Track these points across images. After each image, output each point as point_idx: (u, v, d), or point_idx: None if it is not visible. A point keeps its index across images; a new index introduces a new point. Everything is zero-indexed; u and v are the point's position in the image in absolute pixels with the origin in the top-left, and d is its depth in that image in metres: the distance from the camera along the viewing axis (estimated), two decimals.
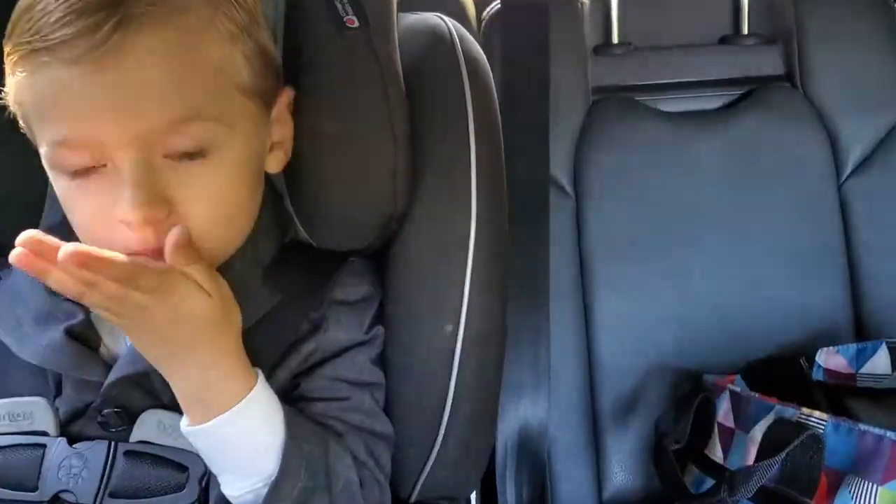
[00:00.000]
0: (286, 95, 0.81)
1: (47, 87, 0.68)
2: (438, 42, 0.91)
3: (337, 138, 0.83)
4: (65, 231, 0.81)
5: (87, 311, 0.81)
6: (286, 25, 0.86)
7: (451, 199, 0.86)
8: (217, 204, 0.73)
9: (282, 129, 0.81)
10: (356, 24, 0.82)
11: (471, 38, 0.94)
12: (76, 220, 0.75)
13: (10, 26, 0.70)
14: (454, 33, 0.92)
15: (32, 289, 0.82)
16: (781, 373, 1.27)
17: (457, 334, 0.84)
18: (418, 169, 0.86)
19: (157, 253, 0.70)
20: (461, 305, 0.84)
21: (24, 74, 0.69)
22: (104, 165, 0.70)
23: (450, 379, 0.85)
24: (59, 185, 0.74)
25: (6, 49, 0.71)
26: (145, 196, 0.69)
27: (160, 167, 0.70)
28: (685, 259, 1.44)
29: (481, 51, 0.94)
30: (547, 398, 1.27)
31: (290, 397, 0.83)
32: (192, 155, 0.71)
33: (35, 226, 0.87)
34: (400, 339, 0.88)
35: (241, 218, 0.79)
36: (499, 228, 0.87)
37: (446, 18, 0.96)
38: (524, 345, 1.27)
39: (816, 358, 1.23)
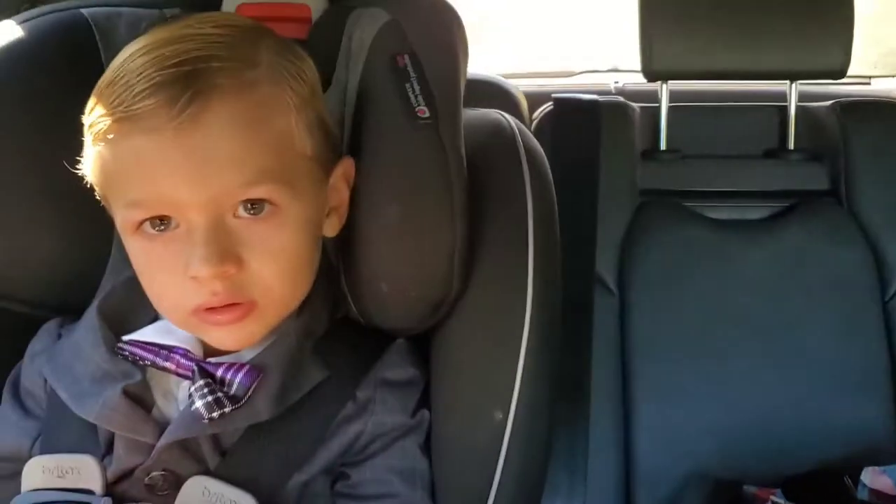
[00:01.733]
0: (344, 165, 0.84)
1: (129, 153, 0.73)
2: (500, 134, 0.93)
3: (398, 220, 0.85)
4: (129, 289, 0.85)
5: (144, 371, 0.82)
6: (356, 108, 0.90)
7: (506, 285, 0.86)
8: (282, 259, 0.77)
9: (338, 196, 0.85)
10: (427, 114, 0.85)
11: (529, 133, 0.97)
12: (147, 279, 0.78)
13: (92, 101, 0.76)
14: (515, 128, 0.95)
15: (95, 348, 0.83)
16: (825, 489, 1.24)
17: (506, 423, 0.83)
18: (475, 254, 0.87)
19: (227, 308, 0.75)
20: (512, 393, 0.84)
21: (106, 144, 0.73)
22: (177, 227, 0.74)
23: (495, 468, 0.84)
24: (132, 246, 0.77)
25: (87, 122, 0.76)
26: (216, 252, 0.73)
27: (230, 226, 0.74)
28: (728, 366, 1.43)
29: (539, 145, 0.96)
30: (582, 499, 1.24)
31: (339, 489, 0.83)
32: (259, 214, 0.75)
33: (95, 285, 0.89)
34: (446, 425, 0.87)
35: (302, 276, 0.82)
36: (554, 317, 0.87)
37: (506, 114, 0.99)
38: (561, 443, 1.25)
39: (862, 477, 1.21)
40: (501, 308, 0.86)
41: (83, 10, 0.94)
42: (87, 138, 0.75)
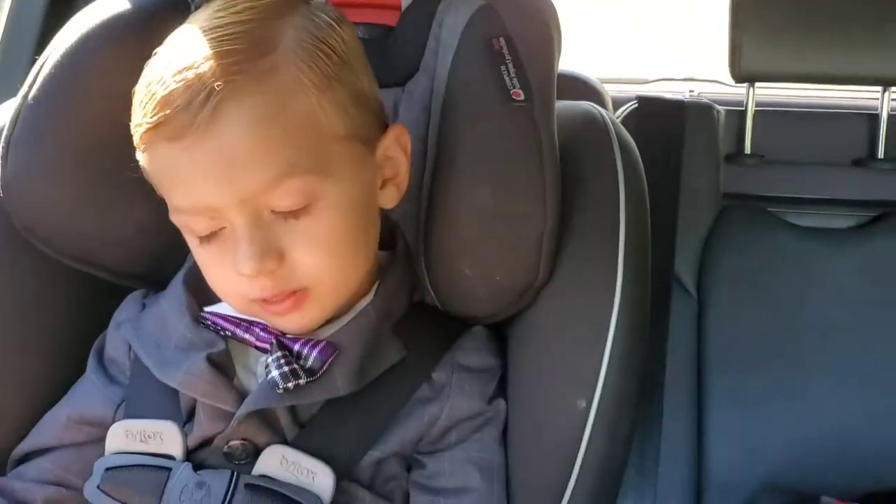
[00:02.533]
0: (394, 132, 0.83)
1: (157, 162, 0.74)
2: (593, 124, 0.92)
3: (489, 202, 0.84)
4: None
5: (226, 342, 0.83)
6: (447, 92, 0.89)
7: (596, 274, 0.85)
8: (327, 247, 0.76)
9: (394, 165, 0.83)
10: (522, 96, 0.85)
11: (622, 126, 0.96)
12: (206, 275, 0.80)
13: (134, 102, 0.76)
14: (607, 119, 0.94)
15: (180, 317, 0.85)
16: None
17: (588, 411, 0.82)
18: (564, 242, 0.86)
19: (278, 298, 0.75)
20: (597, 381, 0.82)
21: (142, 152, 0.75)
22: (222, 228, 0.75)
23: (576, 458, 0.82)
24: (190, 243, 0.79)
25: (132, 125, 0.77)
26: (257, 250, 0.73)
27: (269, 222, 0.74)
28: (808, 377, 1.40)
29: (631, 138, 0.94)
30: (652, 501, 1.22)
31: (415, 479, 0.83)
32: (297, 212, 0.74)
33: (180, 259, 0.91)
34: (525, 412, 0.86)
35: (356, 257, 0.81)
36: (642, 307, 0.86)
37: (598, 107, 0.98)
38: (633, 442, 1.23)
39: None
40: (589, 297, 0.85)
41: None
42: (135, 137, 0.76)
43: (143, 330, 0.87)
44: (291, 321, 0.79)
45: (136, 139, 0.75)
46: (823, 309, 1.43)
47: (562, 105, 0.96)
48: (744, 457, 1.36)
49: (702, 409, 1.38)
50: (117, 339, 0.89)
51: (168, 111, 0.70)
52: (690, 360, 1.39)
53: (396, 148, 0.83)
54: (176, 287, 0.87)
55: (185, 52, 0.72)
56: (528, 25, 0.90)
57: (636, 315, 0.85)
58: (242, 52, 0.71)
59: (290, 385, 0.77)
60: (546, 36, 0.90)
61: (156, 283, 0.92)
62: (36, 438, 0.88)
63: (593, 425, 0.82)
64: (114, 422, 0.85)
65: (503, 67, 0.86)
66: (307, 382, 0.77)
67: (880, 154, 1.57)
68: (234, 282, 0.76)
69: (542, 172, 0.83)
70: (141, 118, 0.73)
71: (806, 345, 1.41)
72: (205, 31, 0.73)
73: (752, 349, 1.40)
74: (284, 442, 0.81)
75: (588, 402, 0.82)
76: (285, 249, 0.74)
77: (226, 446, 0.81)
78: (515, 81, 0.85)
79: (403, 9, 0.97)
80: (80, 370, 0.91)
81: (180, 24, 0.78)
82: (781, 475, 1.36)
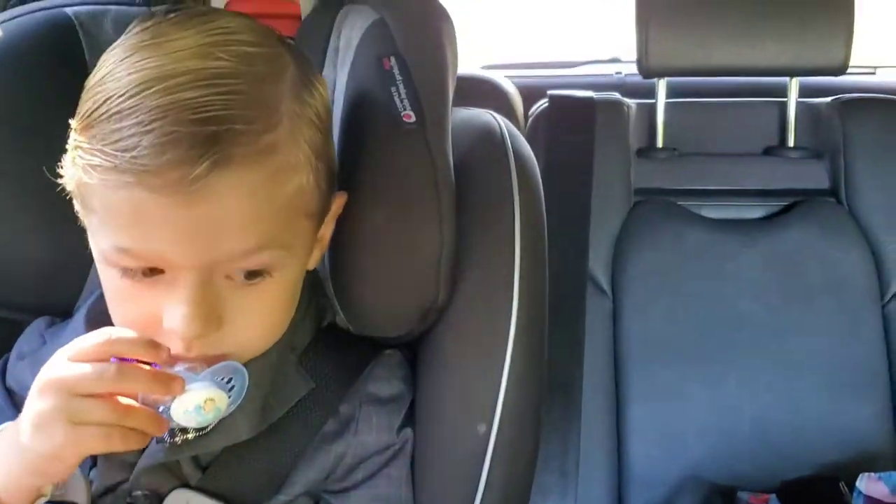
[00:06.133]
0: (339, 201, 0.81)
1: (125, 205, 0.66)
2: (489, 138, 0.91)
3: (384, 228, 0.82)
4: None
5: None
6: (343, 110, 0.87)
7: (492, 294, 0.84)
8: (266, 321, 0.75)
9: (326, 229, 0.81)
10: (413, 119, 0.82)
11: (521, 136, 0.94)
12: (119, 313, 0.74)
13: (87, 112, 0.68)
14: (505, 131, 0.92)
15: None
16: (819, 495, 1.22)
17: (489, 436, 0.82)
18: (462, 261, 0.85)
19: (196, 360, 0.71)
20: (496, 406, 0.82)
21: (99, 181, 0.67)
22: (161, 273, 0.70)
23: (479, 482, 0.82)
24: (109, 278, 0.73)
25: (75, 142, 0.69)
26: (202, 314, 0.69)
27: (218, 286, 0.70)
28: (722, 369, 1.41)
29: (530, 150, 0.94)
30: (574, 503, 1.23)
31: None
32: (252, 278, 0.71)
33: (78, 287, 0.87)
34: (429, 437, 0.85)
35: (283, 323, 0.79)
36: (539, 328, 0.85)
37: (498, 116, 0.96)
38: (553, 445, 1.24)
39: (857, 483, 1.19)
40: (485, 319, 0.84)
41: (67, 10, 0.91)
42: (74, 155, 0.69)
43: (41, 367, 0.83)
44: None
45: (89, 161, 0.66)
46: (737, 301, 1.44)
47: (462, 115, 0.94)
48: (663, 452, 1.37)
49: (620, 406, 1.39)
50: (18, 372, 0.86)
51: (158, 161, 0.63)
52: (608, 358, 1.40)
53: (333, 216, 0.81)
54: (77, 326, 0.83)
55: (179, 92, 0.64)
56: (421, 44, 0.88)
57: (534, 336, 0.84)
58: (251, 122, 0.67)
59: (178, 440, 0.75)
60: (439, 54, 0.88)
61: (57, 312, 0.89)
62: None
63: (494, 450, 0.81)
64: None
65: (393, 89, 0.84)
66: (196, 437, 0.75)
67: (790, 142, 1.59)
68: (149, 328, 0.70)
69: (437, 196, 0.82)
70: (109, 149, 0.65)
71: (721, 337, 1.42)
72: (199, 70, 0.66)
73: (668, 344, 1.41)
74: (188, 486, 0.78)
75: (488, 426, 0.81)
76: (226, 316, 0.71)
77: (129, 497, 0.78)
78: (406, 103, 0.83)
79: (303, 19, 0.95)
80: None
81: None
82: (701, 468, 1.37)
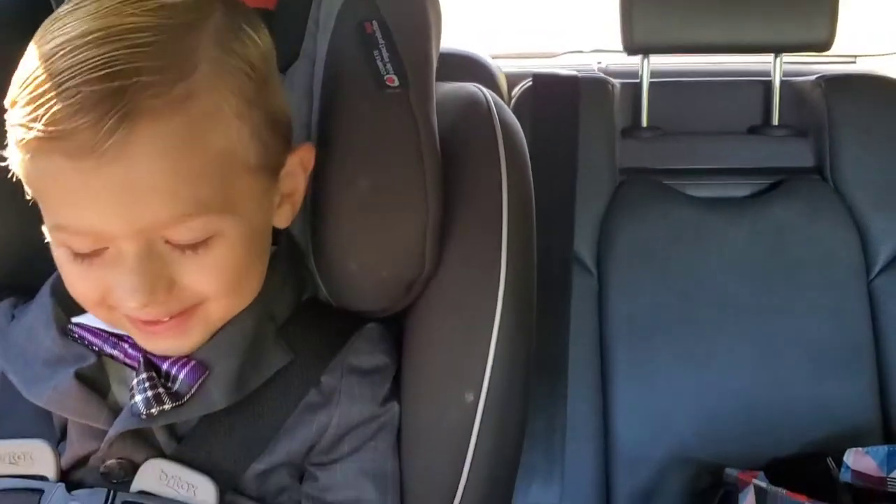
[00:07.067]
0: (300, 153, 0.78)
1: (49, 175, 0.66)
2: (475, 109, 0.90)
3: (368, 195, 0.81)
4: None
5: (98, 355, 0.78)
6: (325, 79, 0.86)
7: (479, 266, 0.83)
8: (221, 277, 0.72)
9: (292, 183, 0.79)
10: (396, 82, 0.82)
11: (507, 108, 0.93)
12: (74, 290, 0.74)
13: (13, 93, 0.67)
14: (491, 102, 0.91)
15: (46, 330, 0.80)
16: (807, 471, 1.22)
17: (477, 405, 0.81)
18: (447, 232, 0.84)
19: (166, 321, 0.72)
20: (483, 375, 0.81)
21: (27, 155, 0.66)
22: (106, 248, 0.69)
23: (466, 452, 0.81)
24: (60, 257, 0.72)
25: (9, 120, 0.68)
26: (147, 282, 0.68)
27: (162, 252, 0.69)
28: (708, 347, 1.41)
29: (517, 121, 0.93)
30: (560, 484, 1.22)
31: (308, 491, 0.80)
32: (195, 246, 0.70)
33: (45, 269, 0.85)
34: (416, 410, 0.84)
35: (248, 280, 0.77)
36: (527, 300, 0.84)
37: (483, 88, 0.95)
38: (538, 425, 1.23)
39: (844, 458, 1.19)
40: (473, 289, 0.83)
41: None
42: (10, 136, 0.68)
43: (9, 343, 0.82)
44: (165, 345, 0.75)
45: (19, 137, 0.66)
46: (723, 279, 1.44)
47: (446, 87, 0.93)
48: (650, 431, 1.37)
49: (606, 386, 1.38)
50: None
51: (68, 125, 0.62)
52: (593, 338, 1.39)
53: (300, 167, 0.78)
54: (43, 296, 0.81)
55: (86, 50, 0.64)
56: (403, 8, 0.87)
57: (522, 306, 0.83)
58: (160, 72, 0.64)
59: (154, 411, 0.73)
60: (422, 19, 0.88)
61: (24, 291, 0.86)
62: None
63: (482, 419, 0.81)
64: None
65: (376, 52, 0.83)
66: (172, 408, 0.74)
67: (775, 121, 1.59)
68: (100, 298, 0.71)
69: (422, 162, 0.81)
70: (27, 121, 0.64)
71: (707, 316, 1.42)
72: (110, 28, 0.65)
73: (654, 323, 1.41)
74: (163, 455, 0.77)
75: (476, 395, 0.81)
76: (175, 278, 0.70)
77: (102, 466, 0.77)
78: (389, 67, 0.82)
79: None
80: None
81: None
82: (688, 447, 1.37)
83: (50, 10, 0.84)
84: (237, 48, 0.70)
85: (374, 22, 0.84)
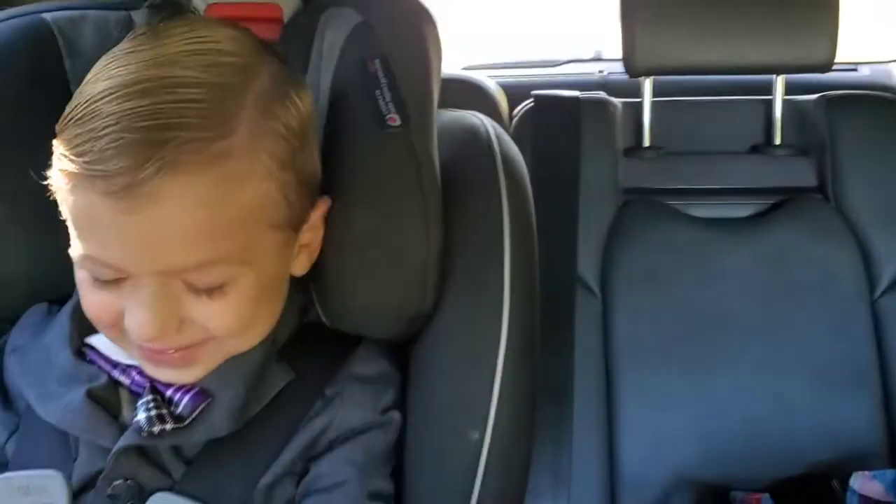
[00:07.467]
0: (322, 206, 0.80)
1: (84, 208, 0.69)
2: (476, 140, 0.90)
3: (369, 231, 0.82)
4: None
5: (109, 375, 0.80)
6: (329, 112, 0.86)
7: (482, 300, 0.83)
8: (231, 320, 0.74)
9: (311, 235, 0.81)
10: (398, 122, 0.82)
11: (508, 138, 0.94)
12: (90, 313, 0.76)
13: (64, 116, 0.70)
14: (491, 133, 0.91)
15: (62, 349, 0.82)
16: (813, 493, 1.22)
17: (482, 443, 0.81)
18: (449, 267, 0.84)
19: (172, 352, 0.74)
20: (489, 412, 0.81)
21: (67, 186, 0.69)
22: (125, 279, 0.71)
23: (472, 491, 0.81)
24: (80, 279, 0.75)
25: (56, 149, 0.70)
26: (158, 319, 0.70)
27: (178, 292, 0.71)
28: (712, 369, 1.41)
29: (518, 151, 0.93)
30: None
31: (300, 487, 0.80)
32: (210, 291, 0.72)
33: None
34: (421, 444, 0.84)
35: (259, 322, 0.79)
36: (531, 333, 0.84)
37: (483, 117, 0.96)
38: (545, 449, 1.23)
39: (851, 482, 1.19)
40: (476, 324, 0.83)
41: (46, 15, 0.90)
42: (55, 159, 0.71)
43: (28, 361, 0.84)
44: (170, 374, 0.76)
45: (62, 167, 0.69)
46: (726, 300, 1.44)
47: (447, 117, 0.94)
48: (654, 452, 1.37)
49: (611, 408, 1.38)
50: (9, 366, 0.86)
51: (109, 167, 0.65)
52: (598, 359, 1.39)
53: (319, 221, 0.80)
54: (62, 316, 0.84)
55: (136, 99, 0.66)
56: (405, 45, 0.87)
57: (525, 341, 0.83)
58: (201, 129, 0.67)
59: (156, 430, 0.75)
60: (423, 53, 0.88)
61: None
62: None
63: (488, 455, 0.81)
64: (5, 448, 0.83)
65: (378, 92, 0.84)
66: (173, 429, 0.76)
67: (777, 140, 1.59)
68: (112, 321, 0.73)
69: (423, 199, 0.81)
70: (73, 155, 0.67)
71: (710, 337, 1.42)
72: (163, 78, 0.68)
73: (658, 344, 1.40)
74: (172, 483, 0.78)
75: (481, 433, 0.81)
76: (187, 316, 0.72)
77: (110, 488, 0.78)
78: (391, 106, 0.83)
79: (286, 22, 0.93)
80: None
81: None
82: (692, 469, 1.37)
83: (61, 63, 0.86)
84: (278, 112, 0.73)
85: (377, 60, 0.84)
